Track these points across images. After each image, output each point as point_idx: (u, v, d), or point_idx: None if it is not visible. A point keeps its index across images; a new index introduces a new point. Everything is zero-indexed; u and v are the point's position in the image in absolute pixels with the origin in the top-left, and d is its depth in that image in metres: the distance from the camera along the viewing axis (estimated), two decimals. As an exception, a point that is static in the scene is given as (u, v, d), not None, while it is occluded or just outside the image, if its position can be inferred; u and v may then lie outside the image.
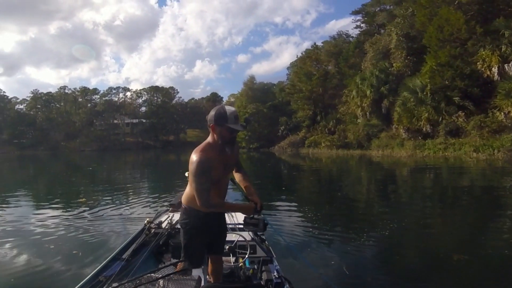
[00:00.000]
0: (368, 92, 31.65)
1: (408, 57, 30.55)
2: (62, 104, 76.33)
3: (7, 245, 6.08)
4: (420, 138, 26.73)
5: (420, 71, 27.74)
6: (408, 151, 26.05)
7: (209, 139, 2.60)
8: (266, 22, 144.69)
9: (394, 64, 31.71)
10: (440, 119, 25.37)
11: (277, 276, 3.03)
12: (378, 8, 39.95)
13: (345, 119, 36.90)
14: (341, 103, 38.34)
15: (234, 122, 2.47)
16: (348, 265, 4.70)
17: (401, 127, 28.46)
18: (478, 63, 24.70)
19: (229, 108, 2.53)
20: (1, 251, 5.78)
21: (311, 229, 6.93)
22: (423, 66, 27.11)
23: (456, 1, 25.95)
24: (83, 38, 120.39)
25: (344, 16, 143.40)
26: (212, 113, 2.53)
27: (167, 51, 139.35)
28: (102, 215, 8.46)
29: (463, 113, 24.40)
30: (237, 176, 2.90)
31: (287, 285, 2.86)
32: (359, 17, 42.69)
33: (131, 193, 12.51)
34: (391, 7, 37.32)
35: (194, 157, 2.47)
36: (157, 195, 11.89)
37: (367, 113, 32.73)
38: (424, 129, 26.41)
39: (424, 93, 26.03)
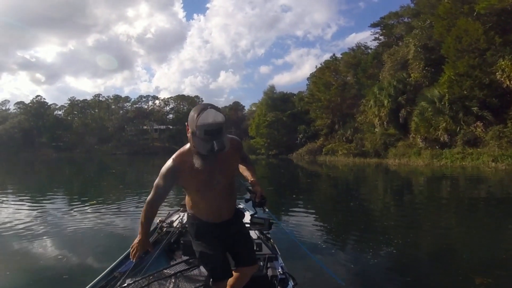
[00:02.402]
0: (385, 102, 30.68)
1: (426, 68, 29.39)
2: (96, 110, 78.48)
3: (27, 241, 6.08)
4: (437, 147, 25.52)
5: (438, 81, 26.57)
6: (425, 160, 24.83)
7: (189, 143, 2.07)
8: (287, 35, 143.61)
9: (412, 75, 30.58)
10: (458, 129, 24.16)
11: (281, 272, 2.98)
12: (396, 21, 38.90)
13: (363, 128, 35.87)
14: (359, 113, 37.39)
15: (203, 138, 1.82)
16: (352, 278, 4.16)
17: (418, 136, 27.32)
18: (497, 73, 23.33)
19: (205, 118, 1.81)
20: (20, 245, 5.83)
21: (318, 235, 6.41)
22: (441, 76, 25.94)
23: (475, 13, 24.77)
24: (118, 50, 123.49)
25: (364, 29, 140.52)
26: (191, 112, 1.91)
27: (193, 62, 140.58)
28: (117, 214, 8.38)
29: (482, 123, 23.17)
30: (241, 167, 2.45)
31: (291, 281, 2.83)
32: (377, 30, 41.63)
33: (145, 194, 12.15)
34: (409, 19, 36.28)
35: (168, 161, 2.08)
36: (170, 195, 11.55)
37: (385, 123, 31.69)
38: (441, 139, 25.21)
39: (442, 103, 24.87)
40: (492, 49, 23.77)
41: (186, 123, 1.94)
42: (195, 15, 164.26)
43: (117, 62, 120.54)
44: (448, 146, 24.73)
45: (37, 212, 8.75)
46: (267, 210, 2.43)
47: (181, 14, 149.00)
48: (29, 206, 9.93)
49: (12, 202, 10.73)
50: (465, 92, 23.91)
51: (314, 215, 8.64)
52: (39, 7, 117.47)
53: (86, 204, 10.04)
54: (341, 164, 30.79)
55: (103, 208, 9.20)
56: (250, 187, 2.38)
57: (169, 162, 2.06)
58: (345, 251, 5.48)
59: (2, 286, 4.18)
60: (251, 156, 46.23)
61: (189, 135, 1.93)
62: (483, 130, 22.97)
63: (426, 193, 13.02)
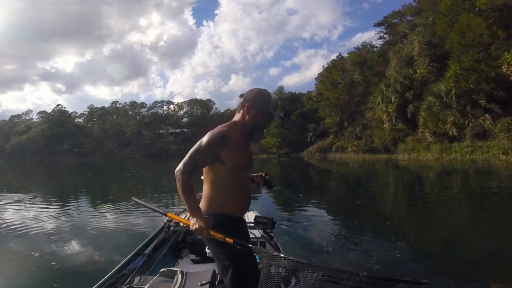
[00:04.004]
0: (393, 98, 30.34)
1: (431, 64, 28.99)
2: (114, 117, 79.41)
3: (42, 239, 6.18)
4: (446, 141, 25.08)
5: (444, 76, 26.13)
6: (434, 155, 24.44)
7: (237, 118, 2.02)
8: (295, 38, 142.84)
9: (418, 71, 30.18)
10: (466, 122, 23.74)
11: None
12: (399, 19, 38.52)
13: (372, 125, 35.50)
14: (367, 109, 37.06)
15: (274, 109, 2.05)
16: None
17: (427, 131, 26.92)
18: (503, 66, 22.78)
19: (273, 94, 2.09)
20: (36, 243, 5.91)
21: (328, 231, 6.24)
22: (447, 71, 25.52)
23: (476, 8, 24.32)
24: (132, 58, 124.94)
25: (369, 29, 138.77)
26: (254, 91, 2.03)
27: (205, 67, 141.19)
28: (127, 214, 8.46)
29: (490, 116, 22.71)
30: None
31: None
32: (382, 29, 41.24)
33: (155, 195, 12.41)
34: (412, 17, 35.91)
35: (214, 130, 1.93)
36: (176, 195, 11.70)
37: (393, 118, 31.32)
38: (450, 133, 24.79)
39: (449, 97, 24.47)
40: (496, 43, 23.24)
41: (247, 104, 1.99)
42: (204, 22, 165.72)
43: (127, 70, 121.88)
44: (457, 140, 24.28)
45: (52, 213, 8.91)
46: (275, 187, 2.48)
47: (191, 21, 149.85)
48: (47, 207, 10.12)
49: (35, 204, 10.87)
50: (472, 86, 23.49)
51: (325, 212, 8.47)
52: (55, 20, 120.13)
53: (97, 205, 10.20)
54: (351, 160, 30.52)
55: (113, 209, 9.35)
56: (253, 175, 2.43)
57: (218, 130, 1.89)
58: (352, 248, 5.25)
59: (21, 280, 4.34)
60: (263, 156, 45.92)
61: (252, 112, 1.99)
62: (492, 122, 22.52)
63: (437, 188, 12.66)
